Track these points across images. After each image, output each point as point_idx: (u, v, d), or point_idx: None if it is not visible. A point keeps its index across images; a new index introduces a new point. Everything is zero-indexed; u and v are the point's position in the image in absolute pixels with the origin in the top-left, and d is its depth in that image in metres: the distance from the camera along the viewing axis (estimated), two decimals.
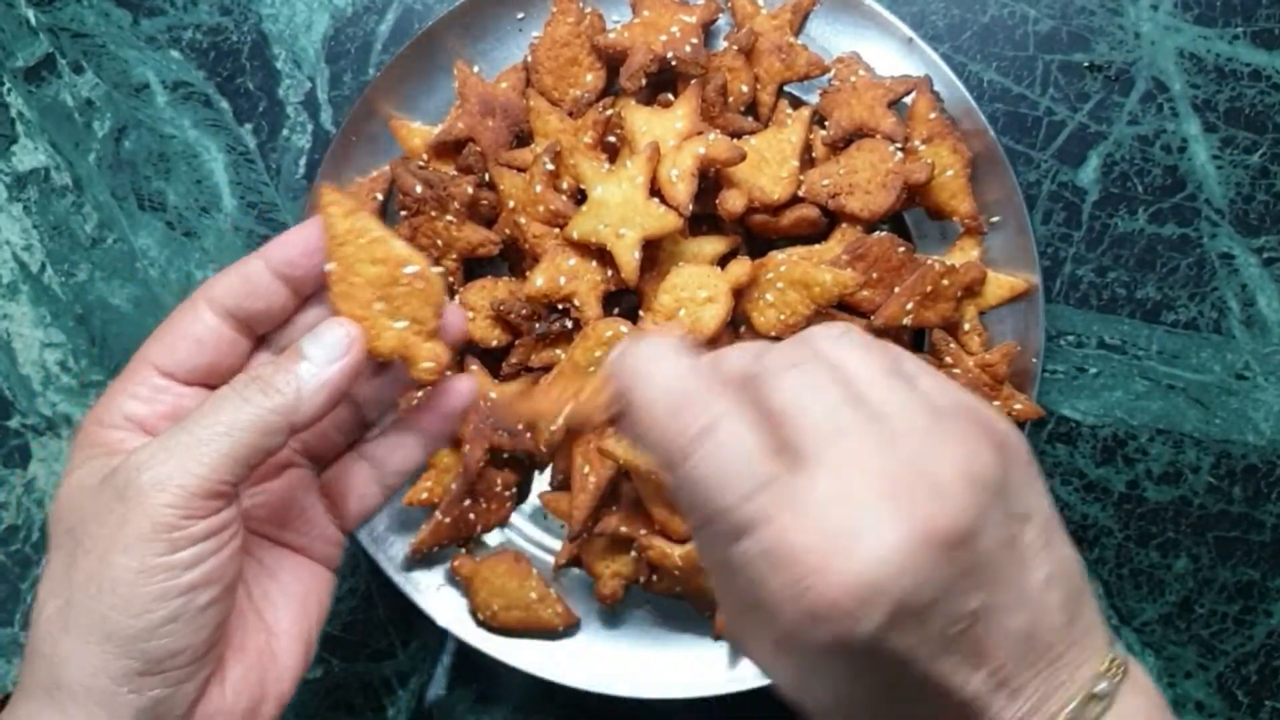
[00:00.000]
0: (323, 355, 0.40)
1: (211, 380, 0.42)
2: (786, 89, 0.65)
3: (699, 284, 0.59)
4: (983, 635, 0.32)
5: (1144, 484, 0.68)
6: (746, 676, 0.63)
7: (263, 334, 0.44)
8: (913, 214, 0.65)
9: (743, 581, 0.32)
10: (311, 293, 0.43)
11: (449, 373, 0.44)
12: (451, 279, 0.62)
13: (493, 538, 0.67)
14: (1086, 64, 0.68)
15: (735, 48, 0.63)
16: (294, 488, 0.45)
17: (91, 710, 0.37)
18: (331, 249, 0.41)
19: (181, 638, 0.37)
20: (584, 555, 0.65)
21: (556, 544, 0.67)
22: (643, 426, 0.35)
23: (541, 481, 0.67)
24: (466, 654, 0.66)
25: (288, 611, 0.44)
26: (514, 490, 0.66)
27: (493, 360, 0.64)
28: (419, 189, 0.62)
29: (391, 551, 0.64)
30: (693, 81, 0.62)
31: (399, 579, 0.64)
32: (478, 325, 0.62)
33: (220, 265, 0.70)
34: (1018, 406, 0.62)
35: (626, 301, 0.62)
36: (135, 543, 0.37)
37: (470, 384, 0.46)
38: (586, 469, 0.62)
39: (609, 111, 0.62)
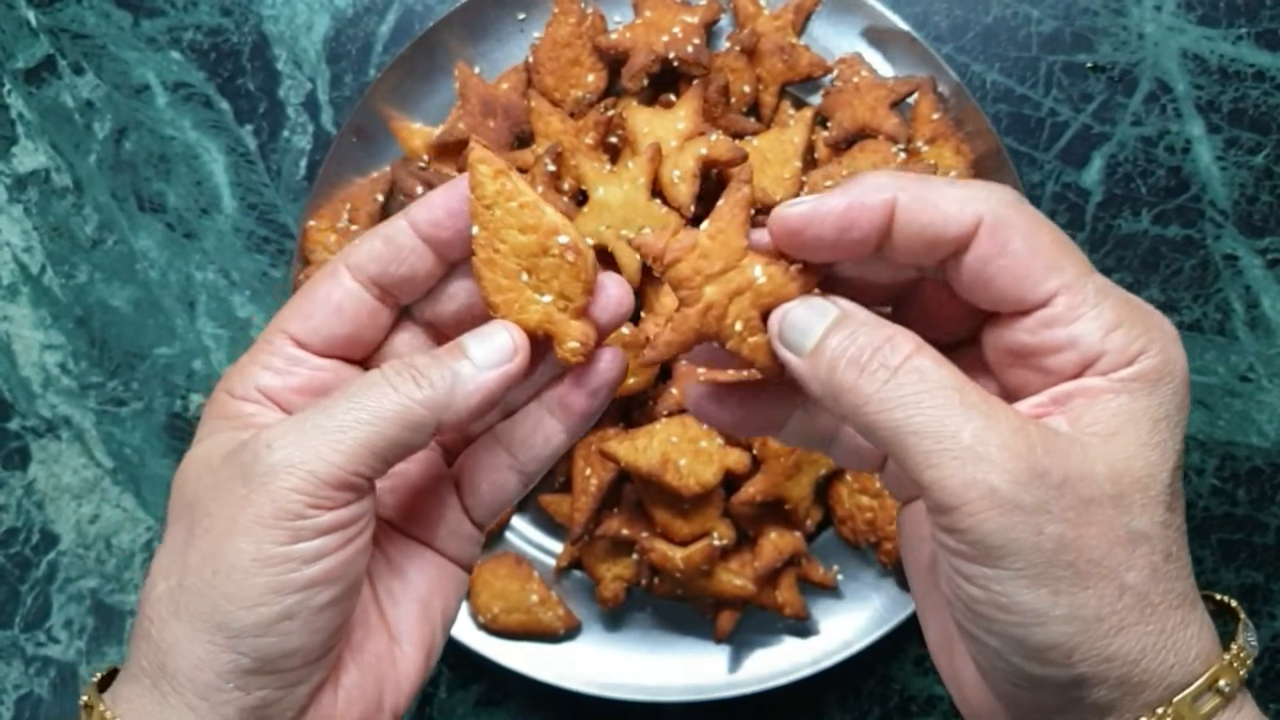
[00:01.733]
0: (485, 357, 0.36)
1: (350, 353, 0.39)
2: (789, 89, 0.65)
3: None
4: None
5: None
6: (748, 680, 0.63)
7: (405, 305, 0.40)
8: None
9: None
10: (458, 259, 0.39)
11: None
12: None
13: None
14: (1090, 65, 0.68)
15: (737, 48, 0.63)
16: (427, 475, 0.41)
17: (193, 703, 0.34)
18: (477, 211, 0.37)
19: (296, 638, 0.34)
20: (585, 558, 0.64)
21: (558, 547, 0.66)
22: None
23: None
24: (467, 657, 0.66)
25: (411, 614, 0.40)
26: None
27: None
28: (420, 190, 0.62)
29: None
30: (695, 82, 0.62)
31: None
32: None
33: (220, 267, 0.70)
34: None
35: None
36: (255, 527, 0.33)
37: (619, 358, 0.39)
38: (588, 471, 0.62)
39: (610, 112, 0.62)
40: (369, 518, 0.36)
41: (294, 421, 0.35)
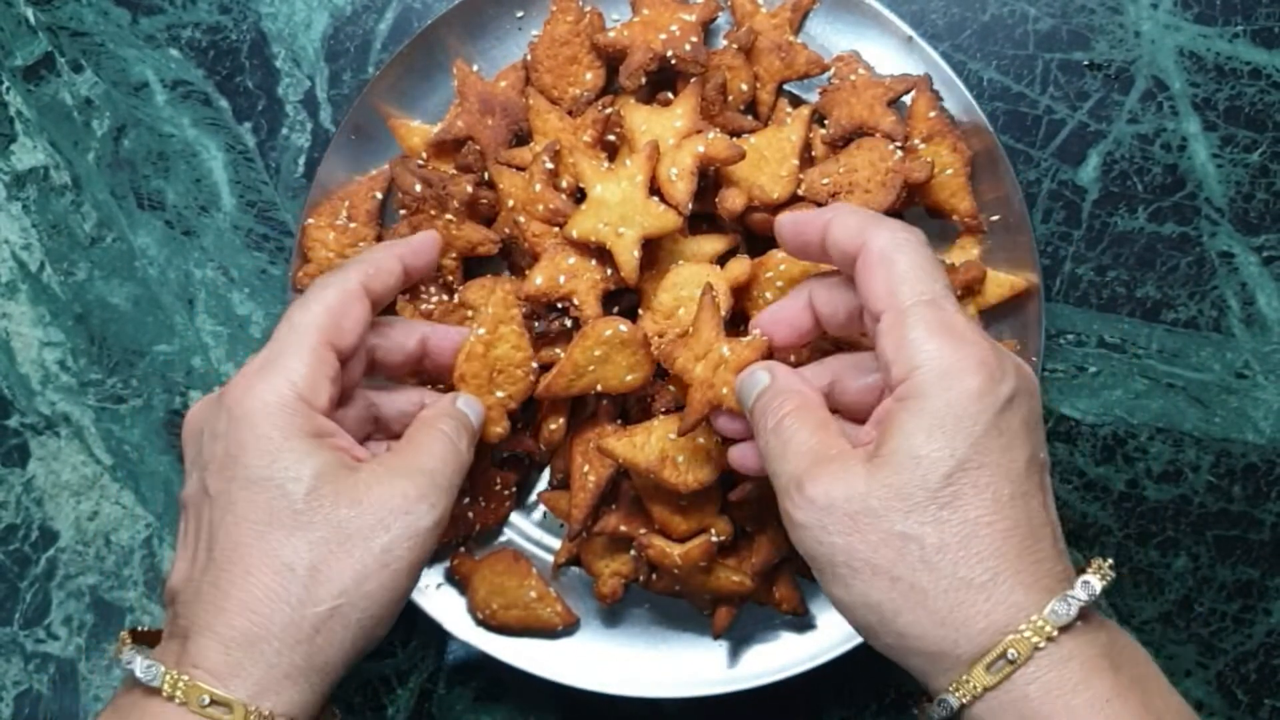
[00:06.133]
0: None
1: (349, 353, 0.52)
2: (786, 87, 0.65)
3: (698, 283, 0.59)
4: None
5: (1144, 483, 0.68)
6: (745, 676, 0.63)
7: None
8: (912, 212, 0.65)
9: None
10: (420, 271, 0.58)
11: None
12: (451, 277, 0.62)
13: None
14: (1086, 62, 0.68)
15: (735, 46, 0.63)
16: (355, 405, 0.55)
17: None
18: (490, 321, 0.57)
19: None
20: (583, 554, 0.65)
21: (556, 543, 0.67)
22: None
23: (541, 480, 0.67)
24: (465, 653, 0.66)
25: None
26: (513, 489, 0.66)
27: None
28: (418, 188, 0.62)
29: None
30: (692, 80, 0.62)
31: None
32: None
33: (219, 264, 0.70)
34: None
35: (626, 300, 0.62)
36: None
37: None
38: (586, 468, 0.62)
39: (608, 110, 0.62)
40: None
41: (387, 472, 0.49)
